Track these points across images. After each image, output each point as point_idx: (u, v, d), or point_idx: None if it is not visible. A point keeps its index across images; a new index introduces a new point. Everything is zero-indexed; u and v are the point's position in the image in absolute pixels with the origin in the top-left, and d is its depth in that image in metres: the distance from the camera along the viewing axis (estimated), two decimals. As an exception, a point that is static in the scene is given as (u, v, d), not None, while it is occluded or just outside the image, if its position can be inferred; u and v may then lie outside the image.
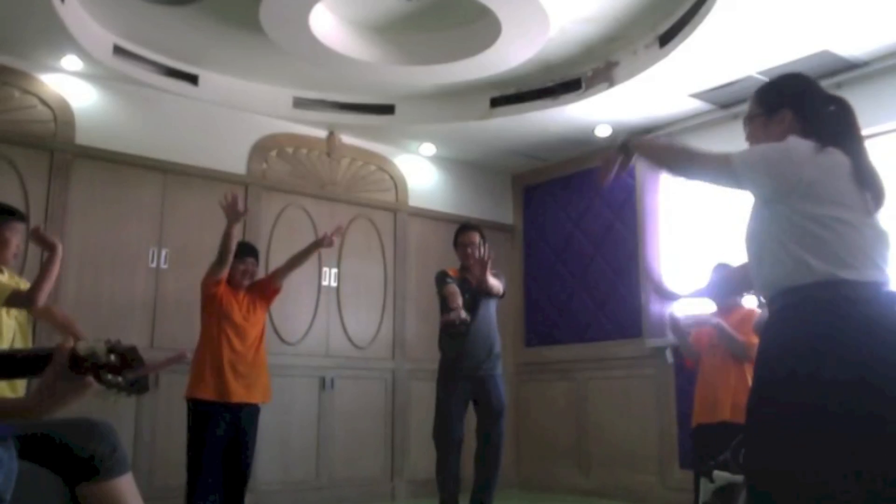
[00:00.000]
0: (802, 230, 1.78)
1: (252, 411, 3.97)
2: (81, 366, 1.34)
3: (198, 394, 3.84)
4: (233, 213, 3.81)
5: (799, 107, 1.96)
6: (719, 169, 1.92)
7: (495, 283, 4.24)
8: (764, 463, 1.72)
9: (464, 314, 4.02)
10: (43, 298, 3.15)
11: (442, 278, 4.32)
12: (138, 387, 1.38)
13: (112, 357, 1.34)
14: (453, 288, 4.16)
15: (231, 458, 3.87)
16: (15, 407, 1.44)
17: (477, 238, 4.36)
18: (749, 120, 2.05)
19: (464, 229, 4.48)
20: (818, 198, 1.79)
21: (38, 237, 3.29)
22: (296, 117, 5.67)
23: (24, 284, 3.31)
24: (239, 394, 3.87)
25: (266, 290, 4.16)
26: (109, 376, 1.34)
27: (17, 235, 3.28)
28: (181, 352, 1.41)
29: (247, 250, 4.14)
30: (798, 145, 1.85)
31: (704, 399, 4.06)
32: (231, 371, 3.86)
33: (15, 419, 1.45)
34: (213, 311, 3.96)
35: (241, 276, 4.04)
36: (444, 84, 5.31)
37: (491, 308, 4.35)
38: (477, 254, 4.18)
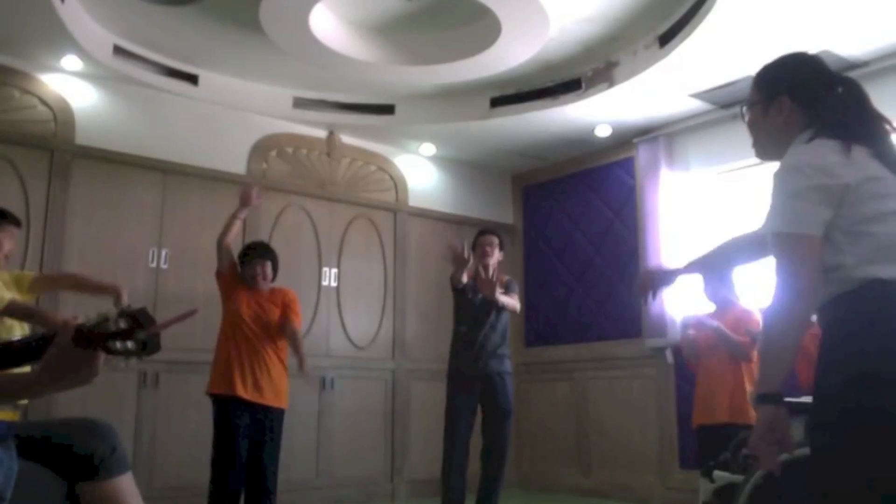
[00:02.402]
0: (852, 233, 1.55)
1: (271, 415, 3.90)
2: (89, 340, 1.34)
3: (215, 388, 3.87)
4: (243, 200, 4.06)
5: (797, 93, 1.72)
6: (793, 271, 1.55)
7: (508, 301, 4.27)
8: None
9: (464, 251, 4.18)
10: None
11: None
12: (150, 347, 1.38)
13: (122, 323, 1.34)
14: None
15: (251, 468, 3.82)
16: (16, 382, 1.43)
17: (495, 240, 4.42)
18: (749, 106, 1.84)
19: (483, 233, 4.50)
20: (867, 196, 1.56)
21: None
22: (296, 117, 5.67)
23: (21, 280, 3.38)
24: (251, 393, 3.84)
25: (284, 316, 4.04)
26: (118, 344, 1.34)
27: (10, 239, 3.32)
28: (191, 309, 1.40)
29: (261, 252, 4.07)
30: (819, 154, 1.60)
31: (703, 400, 4.08)
32: (242, 370, 3.84)
33: (17, 396, 1.44)
34: (228, 306, 3.98)
35: (251, 281, 3.99)
36: (444, 84, 5.31)
37: (503, 314, 4.37)
38: (489, 258, 4.30)
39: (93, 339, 1.34)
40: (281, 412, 3.97)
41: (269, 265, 4.05)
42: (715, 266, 2.22)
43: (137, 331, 1.35)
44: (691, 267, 2.18)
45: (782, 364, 1.53)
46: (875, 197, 1.56)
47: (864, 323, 1.50)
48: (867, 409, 1.44)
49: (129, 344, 1.35)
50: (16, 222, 3.40)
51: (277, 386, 3.95)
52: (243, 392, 3.82)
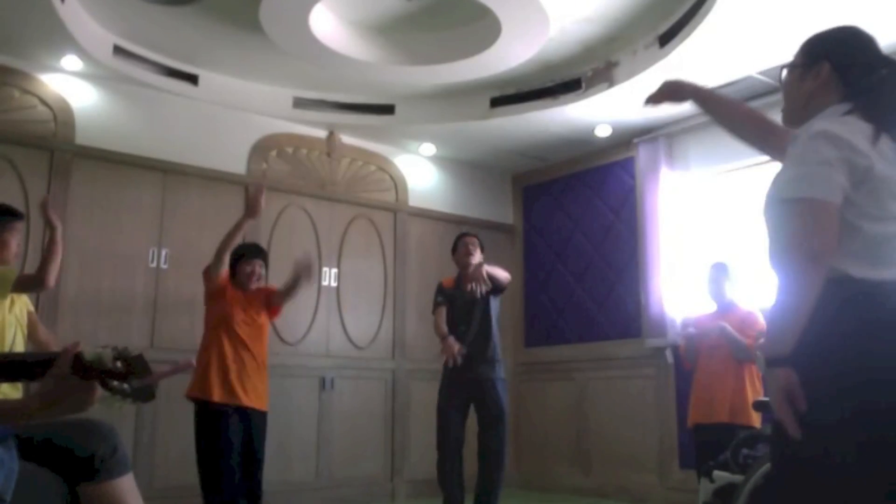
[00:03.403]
0: (850, 225, 1.53)
1: (260, 418, 3.89)
2: (86, 371, 1.33)
3: (205, 395, 3.77)
4: (253, 208, 3.92)
5: (840, 61, 1.65)
6: (815, 234, 1.51)
7: (500, 273, 4.30)
8: None
9: (457, 348, 4.14)
10: (52, 278, 3.18)
11: (435, 296, 4.47)
12: (144, 395, 1.37)
13: (118, 364, 1.34)
14: (440, 314, 4.34)
15: (244, 470, 3.80)
16: (13, 408, 1.43)
17: (476, 241, 4.47)
18: (789, 69, 1.76)
19: (464, 235, 4.57)
20: (881, 192, 1.53)
21: (43, 212, 3.35)
22: (296, 117, 5.67)
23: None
24: (246, 397, 3.82)
25: (270, 303, 4.06)
26: (115, 382, 1.34)
27: (16, 236, 3.29)
28: (187, 360, 1.40)
29: (255, 252, 4.09)
30: (852, 132, 1.55)
31: (701, 399, 4.07)
32: (236, 373, 3.81)
33: (11, 421, 1.44)
34: (216, 308, 3.92)
35: (247, 279, 3.99)
36: (444, 84, 5.31)
37: (490, 312, 4.36)
38: (472, 258, 4.35)
39: (90, 371, 1.34)
40: (265, 414, 3.95)
41: (262, 265, 4.07)
42: (722, 115, 2.06)
43: (131, 377, 1.34)
44: (709, 96, 2.08)
45: (795, 328, 1.48)
46: (889, 195, 1.54)
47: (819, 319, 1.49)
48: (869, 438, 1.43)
49: (125, 385, 1.34)
50: (20, 218, 3.37)
51: (263, 390, 3.93)
52: (245, 399, 3.80)
